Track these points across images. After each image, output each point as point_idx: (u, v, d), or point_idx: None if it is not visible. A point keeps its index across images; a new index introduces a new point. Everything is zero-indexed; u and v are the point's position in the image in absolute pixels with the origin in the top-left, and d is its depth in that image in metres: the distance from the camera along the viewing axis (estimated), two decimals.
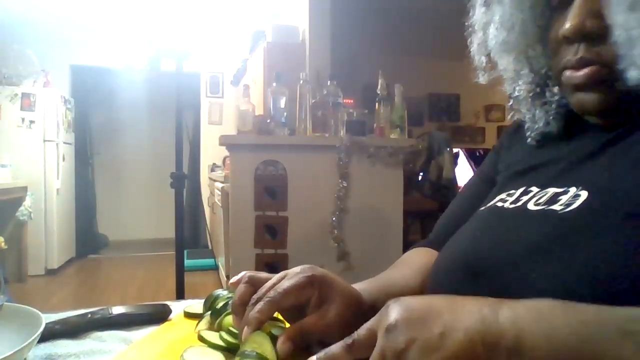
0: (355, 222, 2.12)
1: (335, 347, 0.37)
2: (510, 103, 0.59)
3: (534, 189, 0.49)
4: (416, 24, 4.43)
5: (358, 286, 0.55)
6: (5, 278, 3.30)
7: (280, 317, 0.56)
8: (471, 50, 0.59)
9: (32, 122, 3.99)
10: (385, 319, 0.35)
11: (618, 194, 0.40)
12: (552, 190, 0.46)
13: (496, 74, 0.58)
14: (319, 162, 2.10)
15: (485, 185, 0.64)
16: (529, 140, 0.58)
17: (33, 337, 0.44)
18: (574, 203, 0.43)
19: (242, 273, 0.53)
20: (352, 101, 2.54)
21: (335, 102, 2.15)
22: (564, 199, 0.44)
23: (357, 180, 2.12)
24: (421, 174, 3.81)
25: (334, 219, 2.09)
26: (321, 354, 0.35)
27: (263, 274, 0.52)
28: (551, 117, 0.55)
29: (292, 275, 0.49)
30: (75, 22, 4.48)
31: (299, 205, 2.06)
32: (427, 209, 3.59)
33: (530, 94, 0.56)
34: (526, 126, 0.58)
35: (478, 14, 0.57)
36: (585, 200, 0.42)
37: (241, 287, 0.50)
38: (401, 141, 2.20)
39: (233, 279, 0.53)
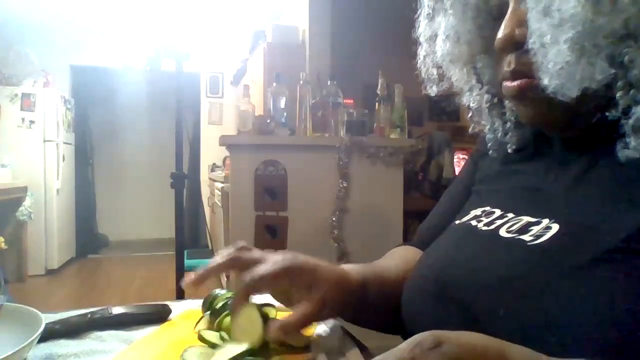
0: (355, 222, 2.12)
1: None
2: (470, 115, 0.57)
3: (510, 215, 0.49)
4: (416, 24, 4.42)
5: (349, 266, 0.56)
6: (5, 278, 3.29)
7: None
8: (418, 62, 0.58)
9: (32, 122, 4.00)
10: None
11: (588, 231, 0.39)
12: (526, 219, 0.46)
13: (447, 84, 0.57)
14: (319, 162, 2.10)
15: (463, 193, 0.63)
16: (490, 152, 0.57)
17: (33, 337, 0.44)
18: (543, 235, 0.42)
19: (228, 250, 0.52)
20: (352, 101, 2.54)
21: (335, 102, 2.15)
22: (534, 229, 0.43)
23: (357, 180, 2.12)
24: (421, 174, 3.80)
25: (334, 219, 2.09)
26: None
27: (250, 255, 0.51)
28: (509, 127, 0.54)
29: (271, 263, 0.48)
30: (75, 23, 4.48)
31: (299, 205, 2.06)
32: (427, 209, 3.56)
33: (487, 105, 0.55)
34: (486, 137, 0.57)
35: (422, 27, 0.56)
36: (555, 234, 0.41)
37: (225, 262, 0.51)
38: (401, 141, 2.20)
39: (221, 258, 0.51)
